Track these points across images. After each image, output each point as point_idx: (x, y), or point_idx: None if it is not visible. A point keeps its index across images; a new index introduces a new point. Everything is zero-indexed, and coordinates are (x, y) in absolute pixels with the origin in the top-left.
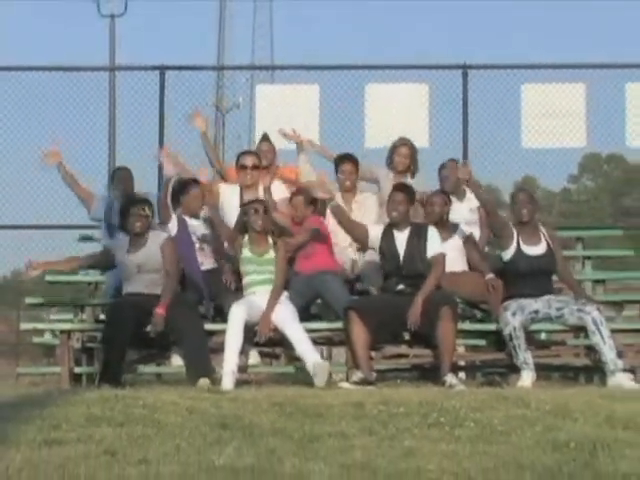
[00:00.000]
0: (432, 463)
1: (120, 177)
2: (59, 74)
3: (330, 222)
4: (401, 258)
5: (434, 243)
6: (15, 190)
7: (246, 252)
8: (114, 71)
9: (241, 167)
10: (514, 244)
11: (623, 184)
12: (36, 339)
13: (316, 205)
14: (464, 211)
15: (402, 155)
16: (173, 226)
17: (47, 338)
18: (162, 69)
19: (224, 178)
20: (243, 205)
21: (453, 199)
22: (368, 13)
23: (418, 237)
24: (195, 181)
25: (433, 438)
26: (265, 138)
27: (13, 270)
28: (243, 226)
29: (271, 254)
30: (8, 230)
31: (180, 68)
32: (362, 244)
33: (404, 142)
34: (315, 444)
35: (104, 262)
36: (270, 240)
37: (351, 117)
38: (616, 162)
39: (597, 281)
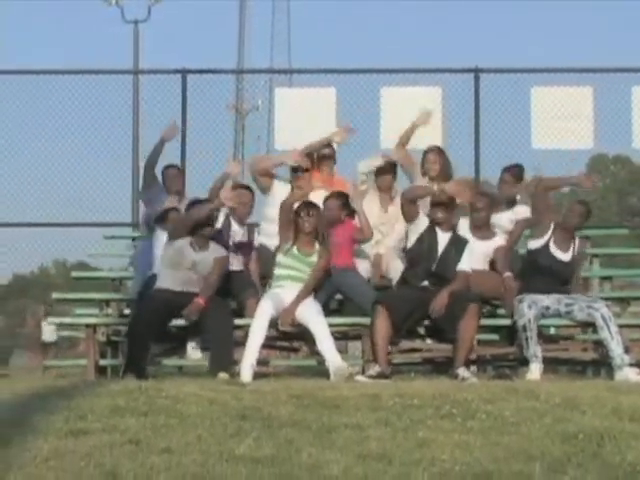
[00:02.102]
0: (445, 453)
1: (172, 174)
2: (85, 77)
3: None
4: (437, 258)
5: (466, 259)
6: (43, 189)
7: (293, 248)
8: (138, 74)
9: (293, 170)
10: (545, 239)
11: (629, 184)
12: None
13: (350, 208)
14: (505, 219)
15: (430, 162)
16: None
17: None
18: (184, 72)
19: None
20: (298, 206)
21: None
22: (382, 16)
23: (456, 248)
24: (248, 188)
25: (446, 429)
26: (329, 144)
27: (40, 266)
28: (292, 224)
29: (314, 258)
30: (36, 228)
31: (201, 72)
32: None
33: (431, 148)
34: (332, 435)
35: None
36: (317, 245)
37: (367, 119)
38: (622, 163)
39: (604, 278)
